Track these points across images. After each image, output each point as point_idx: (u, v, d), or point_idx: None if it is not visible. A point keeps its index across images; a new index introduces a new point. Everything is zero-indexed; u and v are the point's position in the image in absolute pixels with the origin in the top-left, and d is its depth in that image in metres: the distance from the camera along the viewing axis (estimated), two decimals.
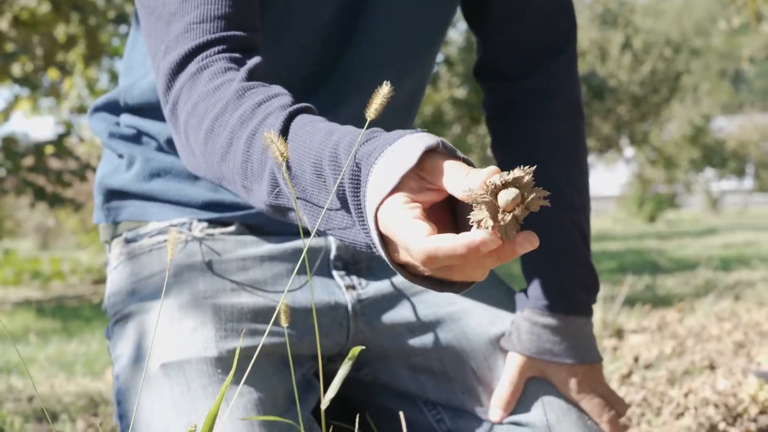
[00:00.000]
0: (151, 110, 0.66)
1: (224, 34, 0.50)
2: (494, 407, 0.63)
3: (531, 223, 0.34)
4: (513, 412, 0.64)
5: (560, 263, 0.65)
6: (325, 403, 0.41)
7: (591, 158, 12.36)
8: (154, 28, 0.52)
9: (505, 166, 0.61)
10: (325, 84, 0.66)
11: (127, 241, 0.67)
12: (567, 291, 0.65)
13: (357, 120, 0.42)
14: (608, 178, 16.85)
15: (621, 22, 12.15)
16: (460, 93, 8.02)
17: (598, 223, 14.33)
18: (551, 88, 0.71)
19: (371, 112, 0.35)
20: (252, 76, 0.48)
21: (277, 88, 0.47)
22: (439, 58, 5.58)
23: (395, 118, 0.66)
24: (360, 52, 0.65)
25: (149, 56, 0.55)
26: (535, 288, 0.65)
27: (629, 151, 13.98)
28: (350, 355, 0.39)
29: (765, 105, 26.29)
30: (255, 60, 0.50)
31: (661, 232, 9.61)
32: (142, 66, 0.69)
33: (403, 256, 0.33)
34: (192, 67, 0.48)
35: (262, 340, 0.46)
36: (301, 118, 0.42)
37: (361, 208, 0.36)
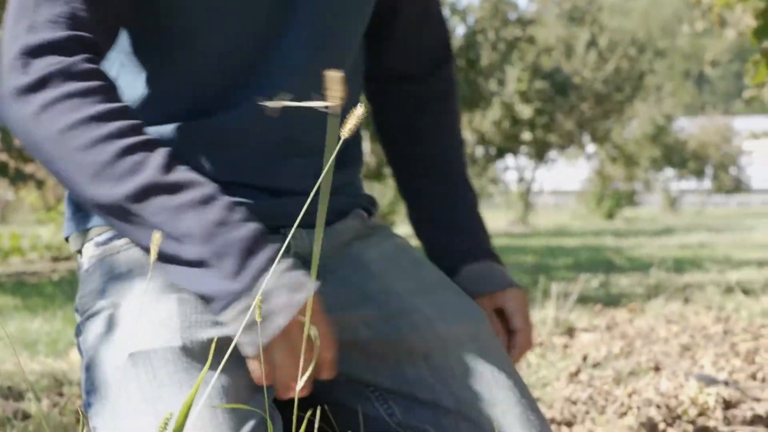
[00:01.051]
0: None
1: (90, 36, 0.55)
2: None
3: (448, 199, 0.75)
4: (460, 407, 0.68)
5: (476, 228, 0.82)
6: (298, 386, 0.47)
7: (553, 153, 12.90)
8: (21, 3, 0.56)
9: (412, 157, 0.82)
10: (265, 65, 0.69)
11: (98, 245, 0.70)
12: (486, 246, 0.82)
13: (298, 102, 0.46)
14: (569, 174, 17.32)
15: (588, 20, 12.65)
16: None
17: (556, 218, 15.22)
18: (451, 88, 0.85)
19: (345, 132, 0.38)
20: (114, 89, 0.56)
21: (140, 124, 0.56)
22: None
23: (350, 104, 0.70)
24: (296, 35, 0.69)
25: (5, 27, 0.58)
26: (466, 248, 0.80)
27: (591, 147, 14.42)
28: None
29: (727, 107, 27.58)
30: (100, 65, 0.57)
31: (618, 229, 9.95)
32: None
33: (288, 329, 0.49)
34: (62, 57, 0.53)
35: (224, 331, 0.52)
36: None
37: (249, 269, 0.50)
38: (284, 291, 0.52)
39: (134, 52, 0.68)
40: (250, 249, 0.51)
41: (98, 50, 0.58)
